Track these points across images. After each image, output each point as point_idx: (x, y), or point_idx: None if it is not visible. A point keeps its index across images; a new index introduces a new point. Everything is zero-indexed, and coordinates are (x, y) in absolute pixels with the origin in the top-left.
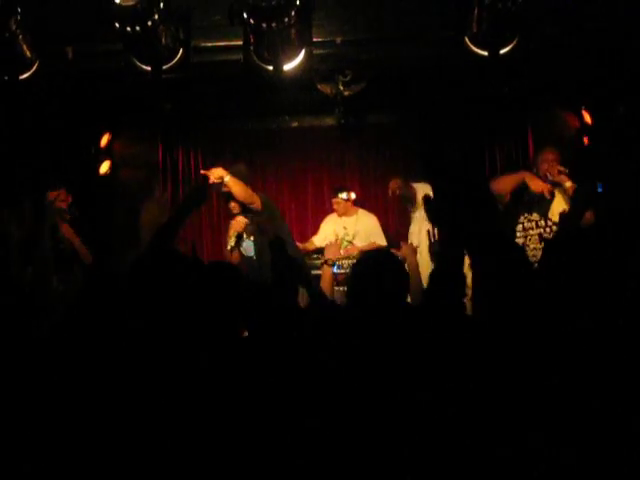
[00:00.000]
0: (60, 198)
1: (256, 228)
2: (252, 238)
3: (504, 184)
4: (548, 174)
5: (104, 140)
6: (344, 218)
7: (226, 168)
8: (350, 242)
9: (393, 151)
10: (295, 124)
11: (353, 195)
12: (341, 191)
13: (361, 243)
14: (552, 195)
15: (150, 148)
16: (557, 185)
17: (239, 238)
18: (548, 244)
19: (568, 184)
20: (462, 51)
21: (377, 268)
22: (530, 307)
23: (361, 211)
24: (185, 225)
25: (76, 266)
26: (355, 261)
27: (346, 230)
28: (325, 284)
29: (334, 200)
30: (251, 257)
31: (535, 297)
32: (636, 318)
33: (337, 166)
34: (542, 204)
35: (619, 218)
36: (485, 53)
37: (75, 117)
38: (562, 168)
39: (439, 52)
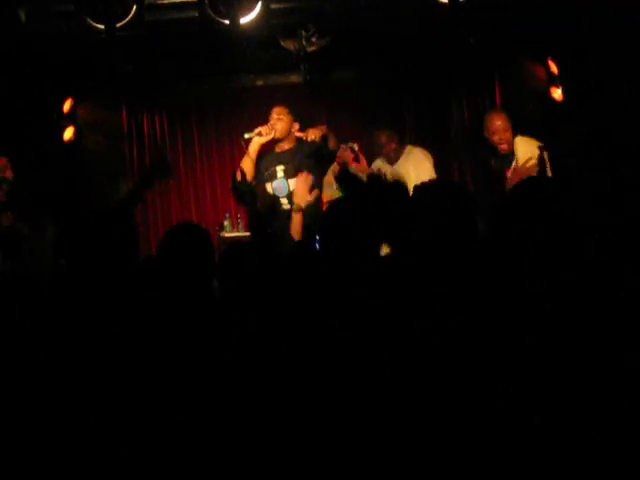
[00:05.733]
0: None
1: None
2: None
3: None
4: (500, 147)
5: (67, 105)
6: None
7: None
8: None
9: (360, 107)
10: (260, 82)
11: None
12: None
13: None
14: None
15: (114, 112)
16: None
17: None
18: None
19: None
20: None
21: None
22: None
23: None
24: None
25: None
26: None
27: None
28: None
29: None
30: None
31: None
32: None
33: (304, 123)
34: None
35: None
36: (445, 1)
37: (35, 82)
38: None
39: (403, 2)
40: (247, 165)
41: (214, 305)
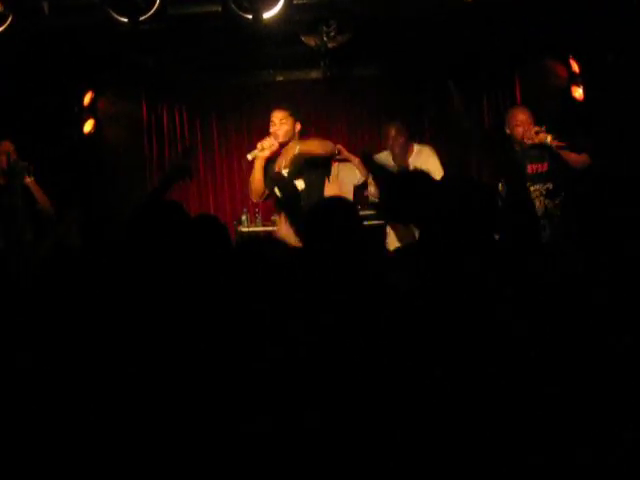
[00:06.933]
0: (4, 149)
1: (309, 167)
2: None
3: None
4: (526, 139)
5: (87, 98)
6: None
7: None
8: None
9: (380, 103)
10: (280, 78)
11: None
12: None
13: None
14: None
15: (134, 105)
16: (539, 146)
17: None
18: None
19: (549, 138)
20: None
21: (327, 216)
22: None
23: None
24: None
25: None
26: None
27: None
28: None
29: None
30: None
31: None
32: None
33: (324, 119)
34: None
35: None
36: None
37: (56, 75)
38: (537, 127)
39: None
40: (257, 181)
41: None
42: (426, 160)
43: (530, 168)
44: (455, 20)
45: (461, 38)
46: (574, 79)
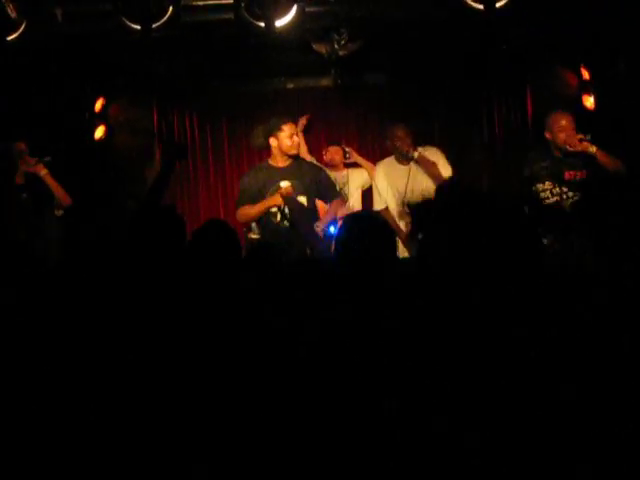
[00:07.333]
0: (19, 149)
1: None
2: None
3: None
4: (568, 146)
5: (98, 105)
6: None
7: None
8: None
9: (391, 111)
10: (291, 85)
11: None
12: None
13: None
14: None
15: (145, 112)
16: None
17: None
18: None
19: (593, 149)
20: (458, 6)
21: (362, 230)
22: None
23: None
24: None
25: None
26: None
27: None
28: None
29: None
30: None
31: None
32: None
33: (334, 126)
34: (553, 171)
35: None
36: (481, 7)
37: (67, 81)
38: (581, 135)
39: (436, 7)
40: (252, 217)
41: (237, 300)
42: (433, 155)
43: (568, 174)
44: (466, 27)
45: (471, 45)
46: (585, 88)
